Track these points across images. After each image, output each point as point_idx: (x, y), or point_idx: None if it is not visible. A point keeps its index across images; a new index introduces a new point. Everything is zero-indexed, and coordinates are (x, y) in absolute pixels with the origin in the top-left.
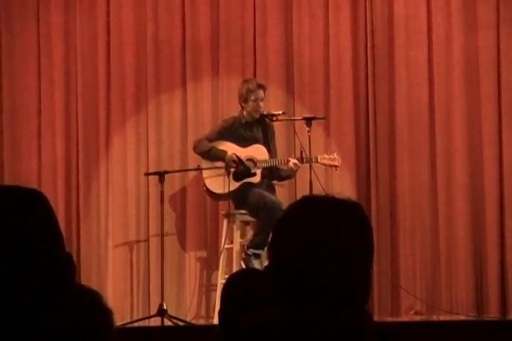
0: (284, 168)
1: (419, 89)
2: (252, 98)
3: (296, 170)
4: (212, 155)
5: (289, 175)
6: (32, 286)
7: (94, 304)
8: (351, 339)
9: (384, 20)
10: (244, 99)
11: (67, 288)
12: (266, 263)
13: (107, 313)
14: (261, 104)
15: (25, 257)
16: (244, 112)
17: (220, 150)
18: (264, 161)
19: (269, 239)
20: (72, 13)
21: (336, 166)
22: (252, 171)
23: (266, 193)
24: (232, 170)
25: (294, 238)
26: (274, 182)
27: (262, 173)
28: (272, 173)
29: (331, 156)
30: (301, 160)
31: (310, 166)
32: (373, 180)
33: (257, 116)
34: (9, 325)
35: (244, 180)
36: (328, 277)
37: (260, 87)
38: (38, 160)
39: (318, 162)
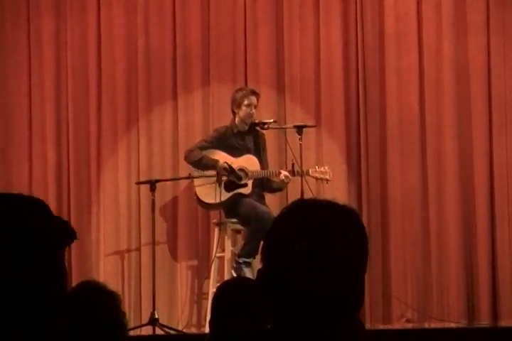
0: (276, 179)
1: (409, 95)
2: (246, 103)
3: (287, 183)
4: (203, 164)
5: (280, 187)
6: (33, 291)
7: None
8: None
9: (375, 27)
10: (237, 105)
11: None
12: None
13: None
14: (254, 111)
15: (26, 262)
16: (237, 120)
17: (211, 158)
18: (256, 172)
19: (261, 246)
20: (63, 21)
21: (327, 180)
22: (243, 182)
23: (257, 204)
24: (224, 178)
25: (288, 242)
26: (265, 193)
27: (253, 184)
28: (263, 184)
29: (323, 169)
30: (292, 172)
31: (301, 176)
32: (364, 187)
33: (249, 122)
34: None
35: (236, 191)
36: (322, 284)
37: (254, 93)
38: (28, 169)
39: (309, 175)
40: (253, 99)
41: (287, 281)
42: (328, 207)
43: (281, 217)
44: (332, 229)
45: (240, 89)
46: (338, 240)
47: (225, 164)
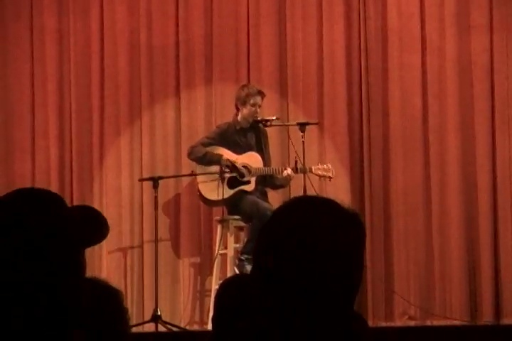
0: (279, 176)
1: (412, 93)
2: (251, 102)
3: (290, 180)
4: (207, 160)
5: (283, 184)
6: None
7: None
8: None
9: (377, 25)
10: (242, 102)
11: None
12: None
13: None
14: (258, 110)
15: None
16: (239, 117)
17: (215, 154)
18: (259, 169)
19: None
20: (66, 17)
21: (330, 177)
22: (246, 179)
23: (259, 200)
24: (227, 175)
25: (282, 236)
26: (267, 189)
27: (256, 181)
28: (266, 181)
29: (325, 167)
30: (295, 170)
31: (304, 173)
32: (367, 185)
33: (251, 120)
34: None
35: (239, 188)
36: (316, 280)
37: (260, 93)
38: (31, 166)
39: (312, 172)
40: (258, 99)
41: (279, 275)
42: (326, 204)
43: (277, 212)
44: (327, 225)
45: (246, 86)
46: (333, 236)
47: (228, 161)
